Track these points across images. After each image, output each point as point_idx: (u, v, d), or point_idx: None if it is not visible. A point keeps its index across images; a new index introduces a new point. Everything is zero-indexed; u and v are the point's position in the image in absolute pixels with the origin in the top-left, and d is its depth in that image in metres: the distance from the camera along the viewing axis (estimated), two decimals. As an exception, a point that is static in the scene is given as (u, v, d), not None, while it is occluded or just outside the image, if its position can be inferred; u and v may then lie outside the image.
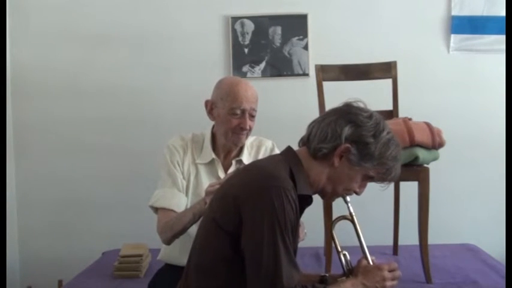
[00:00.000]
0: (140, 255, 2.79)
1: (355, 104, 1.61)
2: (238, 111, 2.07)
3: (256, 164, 1.70)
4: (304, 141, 1.63)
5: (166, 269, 2.23)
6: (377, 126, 1.56)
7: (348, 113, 1.58)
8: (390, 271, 1.60)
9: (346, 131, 1.55)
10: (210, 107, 2.16)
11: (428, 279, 2.50)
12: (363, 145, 1.55)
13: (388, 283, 1.58)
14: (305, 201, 1.59)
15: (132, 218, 3.37)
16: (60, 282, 3.18)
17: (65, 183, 3.51)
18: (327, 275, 1.74)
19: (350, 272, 1.65)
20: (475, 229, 3.37)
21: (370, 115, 1.58)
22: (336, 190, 1.62)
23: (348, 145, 1.54)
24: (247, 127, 2.10)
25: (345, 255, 1.67)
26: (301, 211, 1.60)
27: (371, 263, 1.63)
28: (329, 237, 2.46)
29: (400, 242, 2.94)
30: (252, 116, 2.11)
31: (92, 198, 3.50)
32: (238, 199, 1.50)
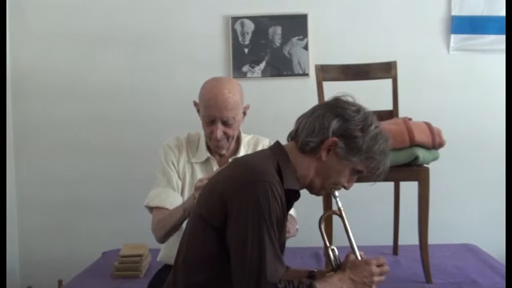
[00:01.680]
0: (140, 255, 2.79)
1: (343, 98, 1.62)
2: (209, 119, 2.06)
3: (243, 159, 1.71)
4: (293, 136, 1.64)
5: (166, 270, 2.23)
6: (365, 120, 1.56)
7: (336, 106, 1.59)
8: (378, 266, 1.60)
9: (334, 124, 1.55)
10: (197, 108, 2.17)
11: (428, 279, 2.49)
12: (351, 139, 1.55)
13: (376, 278, 1.58)
14: (292, 196, 1.60)
15: (132, 218, 3.36)
16: (60, 282, 3.18)
17: (65, 183, 3.51)
18: (315, 270, 1.74)
19: (338, 267, 1.65)
20: (475, 229, 3.37)
21: (358, 109, 1.58)
22: (324, 184, 1.62)
23: (335, 139, 1.55)
24: (218, 136, 2.07)
25: (333, 250, 1.67)
26: (289, 206, 1.60)
27: (359, 258, 1.63)
28: (329, 236, 2.46)
29: (400, 242, 2.94)
30: (227, 124, 2.07)
31: (92, 198, 3.50)
32: (223, 194, 1.51)
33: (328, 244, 1.69)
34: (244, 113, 2.16)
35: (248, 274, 1.45)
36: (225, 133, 2.09)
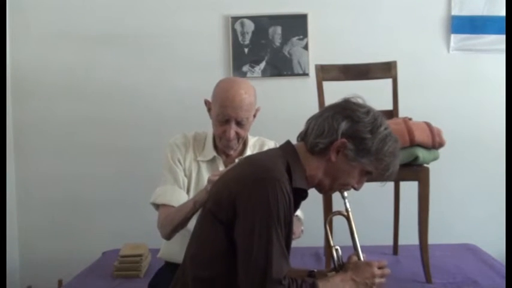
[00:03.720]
0: (140, 255, 2.79)
1: (353, 100, 1.62)
2: (224, 119, 2.06)
3: (253, 157, 1.73)
4: (302, 137, 1.65)
5: (166, 269, 2.24)
6: (374, 122, 1.57)
7: (345, 108, 1.59)
8: (380, 268, 1.62)
9: (343, 126, 1.56)
10: (209, 107, 2.16)
11: (428, 279, 2.50)
12: (360, 140, 1.56)
13: (377, 280, 1.60)
14: (300, 195, 1.60)
15: (132, 218, 3.37)
16: (60, 282, 3.18)
17: (65, 183, 3.51)
18: (315, 270, 1.75)
19: (340, 267, 1.66)
20: (475, 229, 3.37)
21: (368, 111, 1.58)
22: (332, 185, 1.63)
23: (344, 140, 1.55)
24: (231, 136, 2.07)
25: (337, 250, 1.68)
26: (296, 205, 1.61)
27: (362, 259, 1.64)
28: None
29: (400, 242, 2.94)
30: (240, 124, 2.07)
31: (92, 198, 3.50)
32: (233, 191, 1.52)
33: (332, 243, 1.70)
34: (255, 115, 2.16)
35: (254, 269, 1.47)
36: (236, 133, 2.09)
